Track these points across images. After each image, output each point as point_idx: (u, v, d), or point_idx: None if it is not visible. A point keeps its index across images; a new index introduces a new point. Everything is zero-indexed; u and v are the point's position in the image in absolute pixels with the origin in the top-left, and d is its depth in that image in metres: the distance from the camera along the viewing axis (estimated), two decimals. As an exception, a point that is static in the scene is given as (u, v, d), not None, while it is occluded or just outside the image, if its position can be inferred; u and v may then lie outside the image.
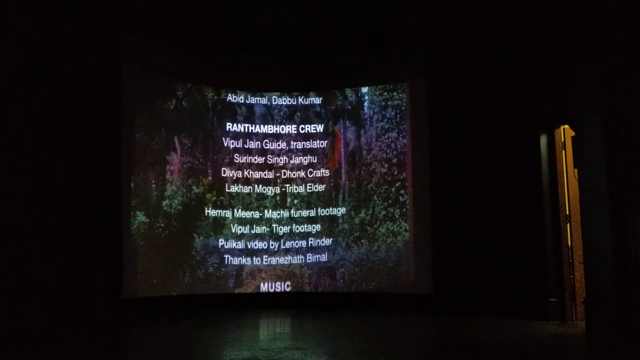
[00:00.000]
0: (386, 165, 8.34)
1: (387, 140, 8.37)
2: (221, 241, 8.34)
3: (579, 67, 6.11)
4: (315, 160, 8.68)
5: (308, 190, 8.64)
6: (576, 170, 6.38)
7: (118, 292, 7.24)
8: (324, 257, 8.50)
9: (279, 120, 8.77)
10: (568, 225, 6.85)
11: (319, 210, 8.60)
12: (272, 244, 8.55)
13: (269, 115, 8.77)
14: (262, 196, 8.61)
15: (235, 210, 8.47)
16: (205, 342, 5.83)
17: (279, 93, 8.80)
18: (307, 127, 8.75)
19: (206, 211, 8.29)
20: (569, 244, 6.83)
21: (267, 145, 8.71)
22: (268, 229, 8.57)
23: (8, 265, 6.20)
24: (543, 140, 7.02)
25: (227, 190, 8.46)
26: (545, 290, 6.81)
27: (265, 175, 8.63)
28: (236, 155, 8.56)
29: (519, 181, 7.14)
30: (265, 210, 8.58)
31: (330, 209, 8.57)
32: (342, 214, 8.52)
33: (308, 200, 8.63)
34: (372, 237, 8.33)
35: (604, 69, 5.79)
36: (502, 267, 7.14)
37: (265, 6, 8.16)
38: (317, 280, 8.48)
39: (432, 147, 7.88)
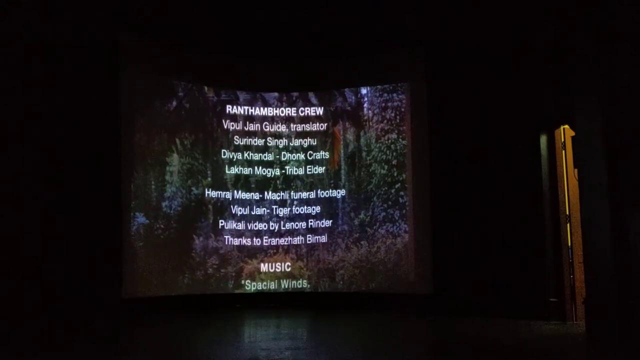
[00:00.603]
0: (386, 167, 8.34)
1: (386, 142, 8.37)
2: (221, 222, 8.34)
3: (579, 67, 6.11)
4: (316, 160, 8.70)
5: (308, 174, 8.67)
6: (576, 170, 6.36)
7: (118, 292, 7.24)
8: (323, 239, 8.51)
9: (278, 120, 8.77)
10: (568, 225, 6.85)
11: (318, 192, 8.62)
12: (272, 225, 8.54)
13: (268, 115, 8.76)
14: (263, 177, 8.62)
15: (235, 191, 8.47)
16: (205, 341, 5.82)
17: (277, 94, 8.80)
18: (307, 126, 8.75)
19: (206, 192, 8.28)
20: (569, 244, 6.82)
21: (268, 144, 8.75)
22: (268, 210, 8.57)
23: (8, 266, 6.20)
24: (543, 140, 7.02)
25: (227, 172, 8.47)
26: (545, 290, 6.81)
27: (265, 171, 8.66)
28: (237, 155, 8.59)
29: (519, 181, 7.14)
30: (266, 192, 8.58)
31: (330, 191, 8.60)
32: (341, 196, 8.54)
33: (310, 182, 8.66)
34: (371, 239, 8.32)
35: (604, 69, 5.79)
36: (502, 267, 7.14)
37: (266, 6, 8.16)
38: (317, 282, 8.47)
39: (432, 148, 7.89)
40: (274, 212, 8.59)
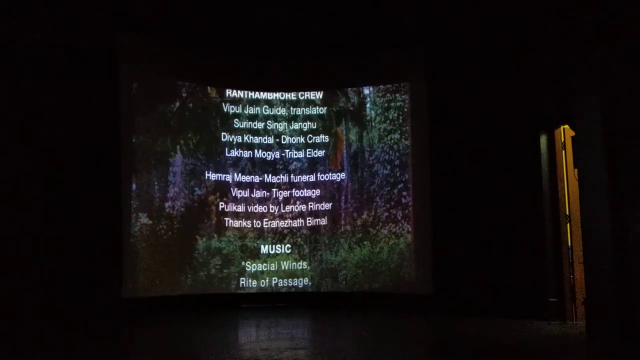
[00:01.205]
0: (388, 167, 8.34)
1: (389, 142, 8.37)
2: (221, 205, 8.35)
3: (579, 67, 6.10)
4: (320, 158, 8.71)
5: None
6: (576, 170, 6.35)
7: (118, 292, 7.25)
8: (324, 221, 8.53)
9: (282, 120, 8.77)
10: (568, 225, 6.84)
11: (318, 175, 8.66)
12: (272, 208, 8.56)
13: (270, 116, 8.76)
14: (262, 161, 8.65)
15: (235, 174, 8.50)
16: (205, 341, 5.83)
17: (281, 94, 8.80)
18: (309, 125, 8.76)
19: (206, 174, 8.30)
20: (569, 244, 6.81)
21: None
22: (268, 193, 8.59)
23: (9, 266, 6.21)
24: (543, 140, 7.01)
25: (226, 155, 8.51)
26: (545, 290, 6.80)
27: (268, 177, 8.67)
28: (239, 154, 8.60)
29: (519, 181, 7.13)
30: (265, 175, 8.61)
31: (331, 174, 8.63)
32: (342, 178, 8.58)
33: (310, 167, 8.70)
34: (374, 239, 8.32)
35: (604, 69, 5.79)
36: (502, 267, 7.13)
37: (267, 6, 8.16)
38: (319, 282, 8.47)
39: (432, 148, 7.89)
40: (274, 195, 8.63)
